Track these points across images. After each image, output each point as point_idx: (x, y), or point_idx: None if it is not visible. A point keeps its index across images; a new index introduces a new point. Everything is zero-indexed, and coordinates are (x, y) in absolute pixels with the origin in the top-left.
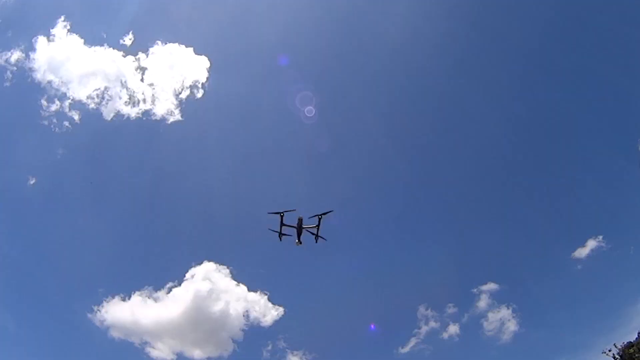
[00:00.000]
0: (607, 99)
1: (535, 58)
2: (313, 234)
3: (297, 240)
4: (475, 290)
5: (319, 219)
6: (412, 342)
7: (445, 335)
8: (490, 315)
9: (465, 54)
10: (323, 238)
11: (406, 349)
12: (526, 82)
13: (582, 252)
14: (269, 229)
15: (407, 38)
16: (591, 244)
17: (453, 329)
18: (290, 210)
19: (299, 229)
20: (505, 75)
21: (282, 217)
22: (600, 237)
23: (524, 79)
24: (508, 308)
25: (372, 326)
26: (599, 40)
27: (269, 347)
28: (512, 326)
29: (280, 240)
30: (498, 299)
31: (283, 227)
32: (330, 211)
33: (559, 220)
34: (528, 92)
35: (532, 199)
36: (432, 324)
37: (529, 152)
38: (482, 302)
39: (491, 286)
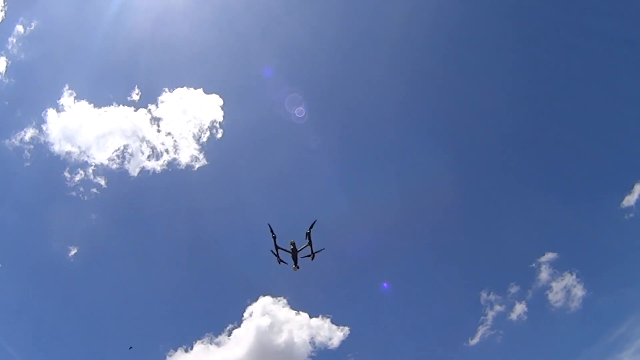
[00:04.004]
0: None
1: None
2: (310, 252)
3: (294, 266)
4: (533, 264)
5: (309, 237)
6: (481, 330)
7: (513, 317)
8: (554, 285)
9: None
10: (317, 252)
11: (476, 340)
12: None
13: (631, 200)
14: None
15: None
16: (638, 188)
17: (520, 307)
18: (274, 236)
19: (294, 253)
20: None
21: (275, 240)
22: None
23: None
24: (571, 274)
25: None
26: None
27: None
28: (578, 292)
29: (279, 264)
30: (559, 268)
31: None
32: (314, 221)
33: (601, 171)
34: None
35: (568, 155)
36: (498, 307)
37: (560, 105)
38: (544, 274)
39: (549, 256)
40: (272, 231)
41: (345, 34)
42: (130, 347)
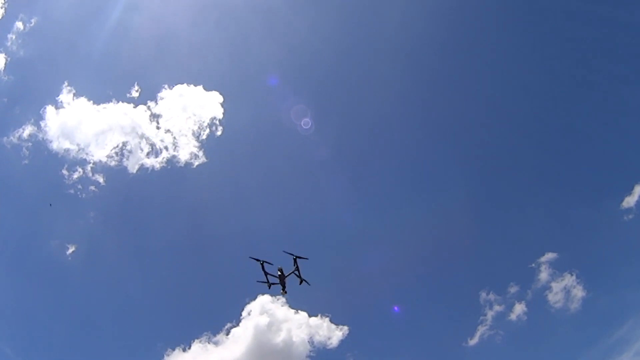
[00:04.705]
0: None
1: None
2: (297, 276)
3: (282, 290)
4: (533, 264)
5: (295, 263)
6: (480, 330)
7: (512, 317)
8: (554, 285)
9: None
10: (307, 282)
11: (475, 340)
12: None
13: (631, 201)
14: (258, 281)
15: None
16: (639, 190)
17: (519, 308)
18: (267, 262)
19: (282, 278)
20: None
21: (262, 266)
22: None
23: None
24: (571, 275)
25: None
26: None
27: None
28: (578, 293)
29: (269, 288)
30: (559, 268)
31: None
32: (305, 258)
33: (601, 172)
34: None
35: (569, 156)
36: (497, 307)
37: (560, 106)
38: (544, 274)
39: (549, 256)
40: (257, 260)
41: (346, 32)
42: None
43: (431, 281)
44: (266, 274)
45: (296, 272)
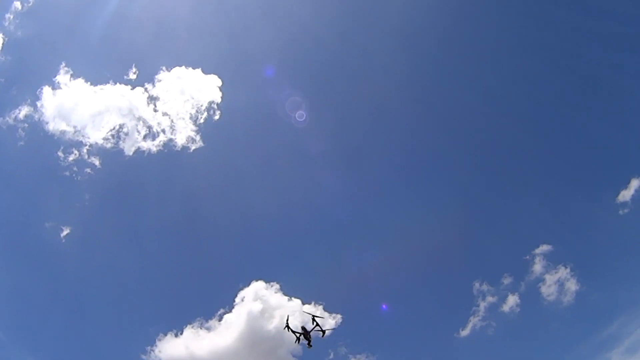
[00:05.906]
0: None
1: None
2: (319, 329)
3: (308, 345)
4: (527, 256)
5: (314, 320)
6: (472, 321)
7: (505, 308)
8: (547, 278)
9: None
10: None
11: (467, 331)
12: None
13: (627, 195)
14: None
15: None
16: (635, 184)
17: (512, 299)
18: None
19: (306, 335)
20: None
21: (287, 325)
22: None
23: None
24: (566, 267)
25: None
26: None
27: (331, 356)
28: (572, 286)
29: (298, 343)
30: (553, 260)
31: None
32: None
33: (598, 165)
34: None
35: (566, 148)
36: (490, 298)
37: (557, 99)
38: (538, 266)
39: (544, 248)
40: (288, 326)
41: (347, 19)
42: None
43: (425, 271)
44: (293, 332)
45: (317, 328)
